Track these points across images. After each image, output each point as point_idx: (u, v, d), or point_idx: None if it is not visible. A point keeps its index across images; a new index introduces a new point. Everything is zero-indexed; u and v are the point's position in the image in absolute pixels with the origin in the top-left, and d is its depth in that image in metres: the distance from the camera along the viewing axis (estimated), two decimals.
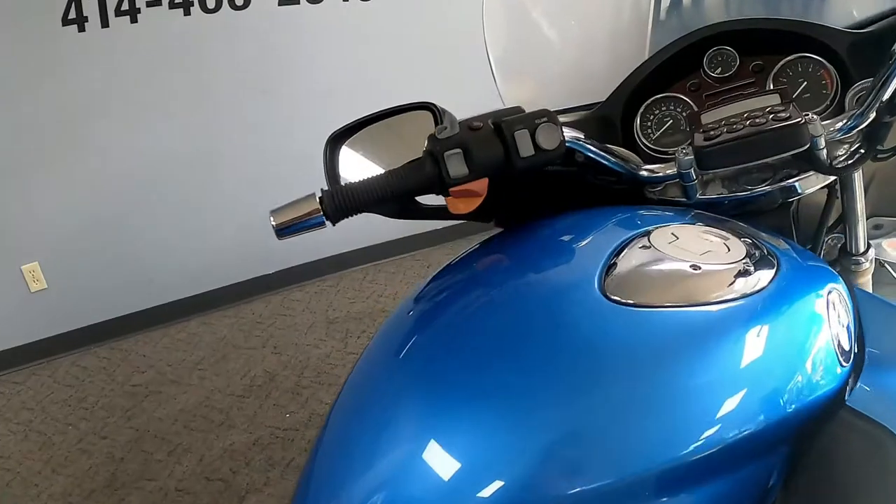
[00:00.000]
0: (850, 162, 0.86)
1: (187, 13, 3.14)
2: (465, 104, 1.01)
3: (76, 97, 3.02)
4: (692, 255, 0.69)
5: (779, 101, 0.88)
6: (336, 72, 3.42)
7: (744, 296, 0.64)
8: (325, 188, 0.83)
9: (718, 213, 0.88)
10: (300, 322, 3.20)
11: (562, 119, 1.06)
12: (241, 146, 3.34)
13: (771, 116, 0.83)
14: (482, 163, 0.80)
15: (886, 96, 0.83)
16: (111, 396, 2.92)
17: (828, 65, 0.96)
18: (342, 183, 1.09)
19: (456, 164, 0.79)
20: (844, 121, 0.85)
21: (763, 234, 0.80)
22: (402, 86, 3.37)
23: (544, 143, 0.81)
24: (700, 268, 0.67)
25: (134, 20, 3.06)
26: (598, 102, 1.10)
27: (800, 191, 0.90)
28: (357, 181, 0.81)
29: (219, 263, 3.43)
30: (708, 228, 0.76)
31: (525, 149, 0.80)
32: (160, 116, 3.17)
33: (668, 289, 0.65)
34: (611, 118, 1.07)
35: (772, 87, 0.98)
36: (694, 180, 0.89)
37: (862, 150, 0.87)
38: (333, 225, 0.82)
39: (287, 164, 3.21)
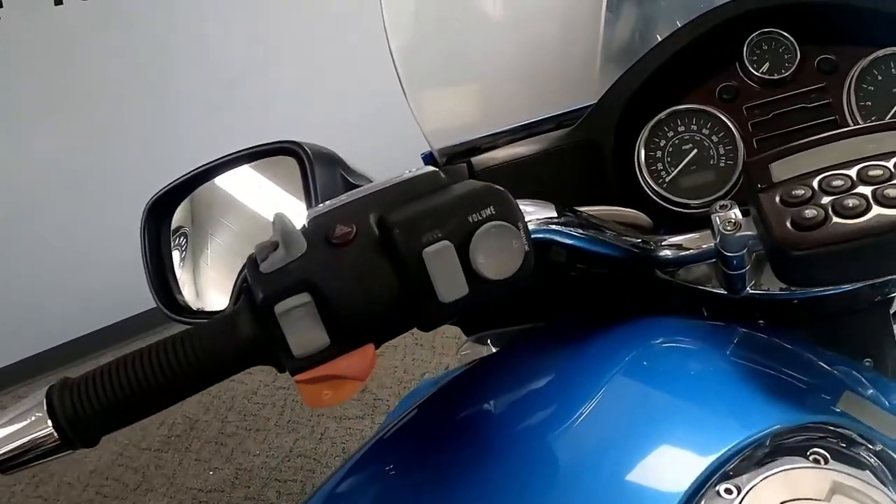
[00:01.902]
0: None
1: (59, 2, 2.72)
2: None
3: None
4: None
5: None
6: (244, 58, 3.02)
7: None
8: (67, 377, 0.46)
9: (780, 316, 0.59)
10: None
11: (514, 150, 0.70)
12: (137, 151, 2.94)
13: None
14: (357, 322, 0.42)
15: None
16: None
17: None
18: (182, 297, 0.72)
19: (301, 330, 0.42)
20: None
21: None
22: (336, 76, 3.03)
23: (488, 267, 0.43)
24: None
25: None
26: (577, 111, 0.74)
27: None
28: (110, 365, 0.45)
29: (128, 287, 3.01)
30: (847, 479, 0.40)
31: (450, 285, 0.42)
32: (34, 127, 2.78)
33: None
34: (597, 144, 0.70)
35: (853, 96, 0.65)
36: (744, 268, 0.55)
37: None
38: (87, 446, 0.46)
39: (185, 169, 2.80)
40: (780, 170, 0.53)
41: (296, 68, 3.07)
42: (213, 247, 0.75)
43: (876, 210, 0.47)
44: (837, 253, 0.48)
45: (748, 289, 0.58)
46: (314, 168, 0.63)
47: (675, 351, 0.56)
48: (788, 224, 0.49)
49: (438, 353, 2.44)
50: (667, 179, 0.69)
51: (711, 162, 0.68)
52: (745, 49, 0.70)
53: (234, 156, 0.71)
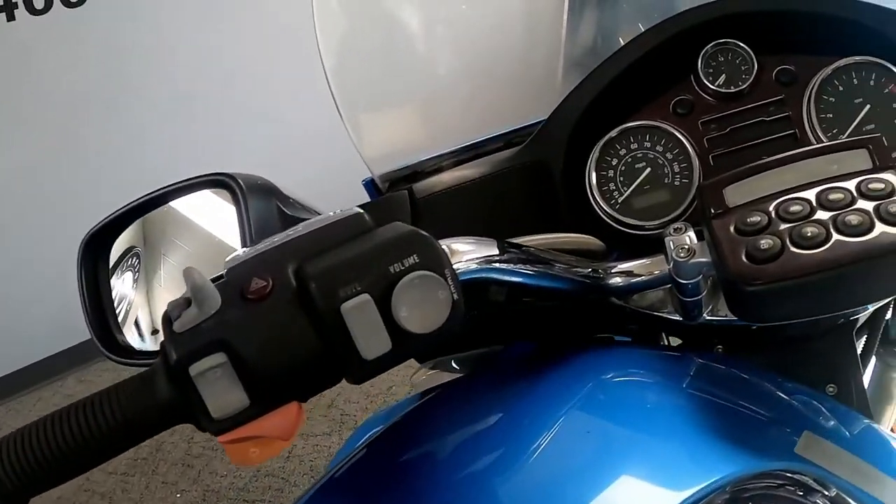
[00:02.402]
0: None
1: (11, 18, 2.66)
2: None
3: None
4: None
5: (868, 164, 0.48)
6: (205, 71, 2.97)
7: None
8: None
9: (739, 341, 0.58)
10: None
11: (460, 173, 0.68)
12: (97, 166, 2.89)
13: (875, 207, 0.44)
14: (276, 381, 0.40)
15: None
16: None
17: None
18: (123, 336, 0.69)
19: (218, 391, 0.39)
20: None
21: None
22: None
23: (412, 321, 0.40)
24: None
25: None
26: (526, 129, 0.70)
27: (870, 307, 0.58)
28: (31, 427, 0.42)
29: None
30: None
31: (371, 341, 0.40)
32: None
33: None
34: (546, 165, 0.67)
35: (813, 108, 0.63)
36: (700, 295, 0.52)
37: None
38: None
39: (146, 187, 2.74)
40: (735, 194, 0.50)
41: (263, 79, 3.03)
42: (153, 284, 0.72)
43: (836, 239, 0.44)
44: (794, 287, 0.44)
45: (705, 314, 0.55)
46: (248, 201, 0.60)
47: (631, 385, 0.54)
48: (743, 256, 0.46)
49: (405, 365, 2.39)
50: (619, 200, 0.66)
51: (666, 181, 0.66)
52: (699, 61, 0.67)
53: (163, 190, 0.68)
